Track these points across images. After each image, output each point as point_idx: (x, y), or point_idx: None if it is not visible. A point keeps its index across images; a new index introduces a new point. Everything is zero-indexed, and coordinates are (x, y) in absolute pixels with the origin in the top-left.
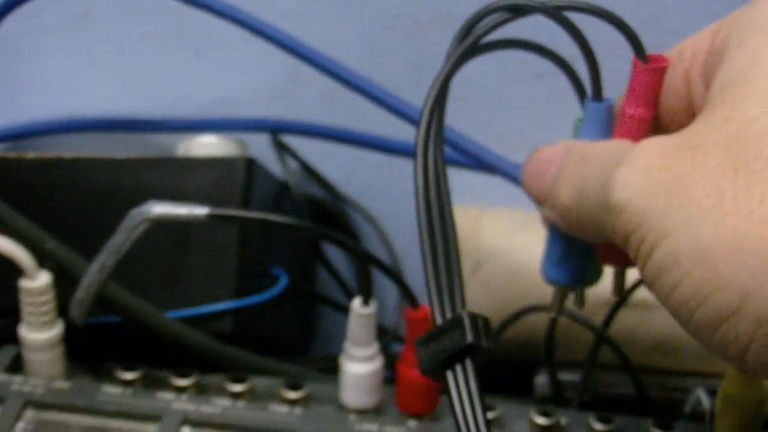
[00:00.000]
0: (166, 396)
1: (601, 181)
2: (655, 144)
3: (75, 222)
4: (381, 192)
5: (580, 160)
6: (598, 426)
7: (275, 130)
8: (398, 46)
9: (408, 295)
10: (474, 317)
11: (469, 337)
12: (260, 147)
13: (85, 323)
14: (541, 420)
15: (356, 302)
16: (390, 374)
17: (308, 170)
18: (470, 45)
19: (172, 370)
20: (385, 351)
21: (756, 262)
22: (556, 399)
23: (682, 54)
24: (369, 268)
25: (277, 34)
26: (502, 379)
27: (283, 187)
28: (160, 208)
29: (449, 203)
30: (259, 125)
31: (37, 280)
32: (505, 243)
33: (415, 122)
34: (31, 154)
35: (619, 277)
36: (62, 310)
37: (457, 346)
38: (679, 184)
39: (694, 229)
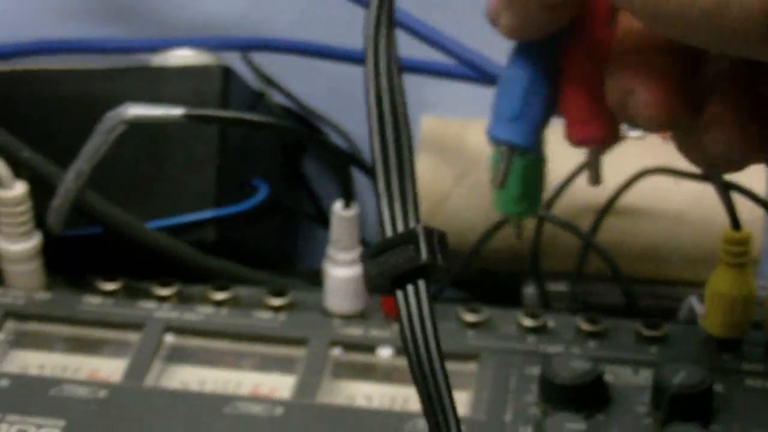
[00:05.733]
0: (148, 305)
1: None
2: None
3: (48, 134)
4: (355, 107)
5: None
6: (585, 326)
7: (246, 48)
8: None
9: None
10: (430, 233)
11: (424, 256)
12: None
13: (65, 236)
14: (528, 322)
15: (337, 205)
16: None
17: (279, 88)
18: None
19: (154, 280)
20: None
21: None
22: (544, 309)
23: None
24: (349, 170)
25: None
26: (490, 291)
27: (259, 98)
28: (136, 110)
29: (403, 103)
30: (230, 44)
31: (13, 190)
32: (489, 153)
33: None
34: (1, 67)
35: (596, 162)
36: (40, 222)
37: (410, 265)
38: None
39: None
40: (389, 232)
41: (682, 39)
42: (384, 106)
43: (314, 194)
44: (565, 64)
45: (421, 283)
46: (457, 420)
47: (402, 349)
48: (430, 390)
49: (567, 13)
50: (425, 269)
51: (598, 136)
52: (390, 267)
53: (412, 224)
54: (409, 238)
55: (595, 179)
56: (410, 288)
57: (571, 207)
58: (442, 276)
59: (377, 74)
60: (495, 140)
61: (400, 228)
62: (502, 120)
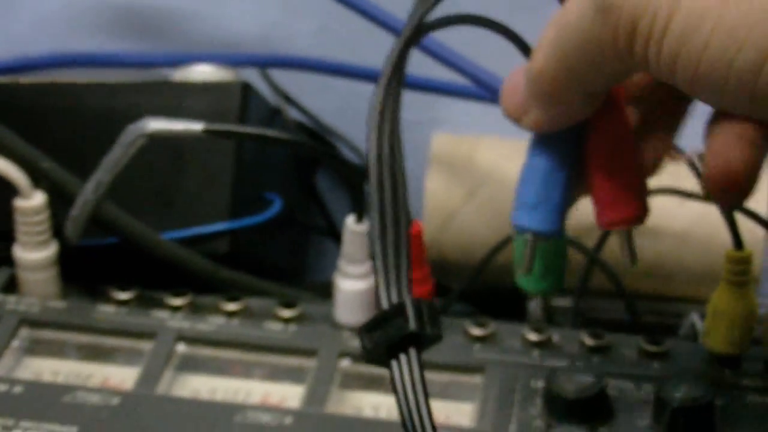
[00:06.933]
0: (161, 314)
1: (578, 7)
2: None
3: (69, 146)
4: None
5: (547, 28)
6: (589, 341)
7: (265, 65)
8: None
9: None
10: (418, 303)
11: (412, 325)
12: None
13: (81, 245)
14: (533, 336)
15: (350, 219)
16: None
17: (295, 105)
18: (415, 28)
19: (167, 291)
20: None
21: None
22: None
23: None
24: (363, 185)
25: None
26: (495, 305)
27: (276, 114)
28: (156, 124)
29: (403, 182)
30: (249, 60)
31: (32, 200)
32: (498, 170)
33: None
34: (25, 79)
35: (629, 241)
36: (57, 232)
37: (400, 335)
38: None
39: None
40: (385, 305)
41: (720, 105)
42: (385, 189)
43: (326, 209)
44: (588, 149)
45: (413, 352)
46: None
47: None
48: None
49: (599, 103)
50: (416, 338)
51: (628, 216)
52: (383, 339)
53: (403, 296)
54: (399, 310)
55: (632, 258)
56: (403, 357)
57: (576, 224)
58: (433, 343)
59: (380, 155)
60: (518, 228)
61: (394, 300)
62: (524, 207)
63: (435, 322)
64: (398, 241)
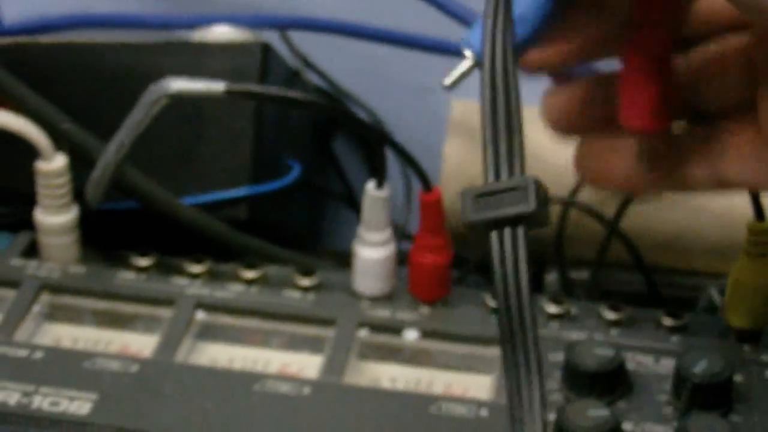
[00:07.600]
0: (181, 281)
1: None
2: None
3: (89, 106)
4: (386, 88)
5: None
6: (608, 315)
7: (284, 26)
8: None
9: (422, 178)
10: (540, 185)
11: (532, 205)
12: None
13: (101, 209)
14: (552, 308)
15: (370, 185)
16: (401, 271)
17: (313, 68)
18: None
19: (186, 257)
20: None
21: None
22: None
23: None
24: (383, 150)
25: None
26: None
27: (295, 75)
28: (179, 84)
29: (515, 66)
30: (268, 22)
31: (53, 162)
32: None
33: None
34: (45, 39)
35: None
36: (78, 196)
37: (516, 211)
38: None
39: None
40: (491, 177)
41: None
42: (496, 68)
43: (344, 175)
44: (630, 49)
45: (521, 230)
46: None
47: (428, 333)
48: (516, 340)
49: None
50: (528, 218)
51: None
52: (493, 209)
53: (519, 173)
54: (520, 185)
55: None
56: (507, 232)
57: (596, 193)
58: (537, 227)
59: (494, 32)
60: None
61: (504, 175)
62: None
63: (547, 206)
64: (510, 125)
